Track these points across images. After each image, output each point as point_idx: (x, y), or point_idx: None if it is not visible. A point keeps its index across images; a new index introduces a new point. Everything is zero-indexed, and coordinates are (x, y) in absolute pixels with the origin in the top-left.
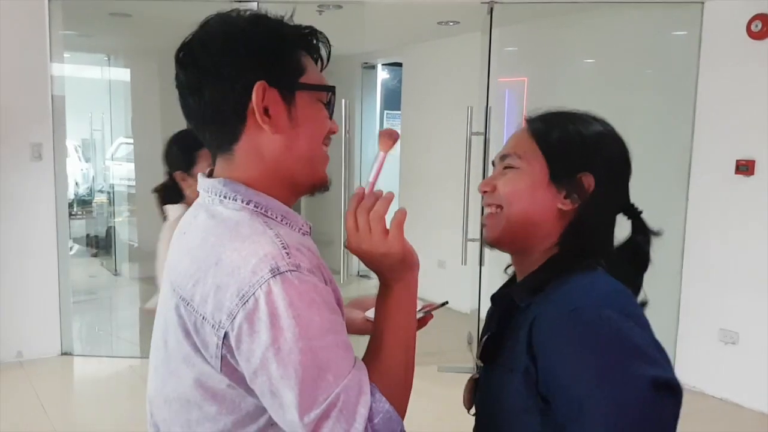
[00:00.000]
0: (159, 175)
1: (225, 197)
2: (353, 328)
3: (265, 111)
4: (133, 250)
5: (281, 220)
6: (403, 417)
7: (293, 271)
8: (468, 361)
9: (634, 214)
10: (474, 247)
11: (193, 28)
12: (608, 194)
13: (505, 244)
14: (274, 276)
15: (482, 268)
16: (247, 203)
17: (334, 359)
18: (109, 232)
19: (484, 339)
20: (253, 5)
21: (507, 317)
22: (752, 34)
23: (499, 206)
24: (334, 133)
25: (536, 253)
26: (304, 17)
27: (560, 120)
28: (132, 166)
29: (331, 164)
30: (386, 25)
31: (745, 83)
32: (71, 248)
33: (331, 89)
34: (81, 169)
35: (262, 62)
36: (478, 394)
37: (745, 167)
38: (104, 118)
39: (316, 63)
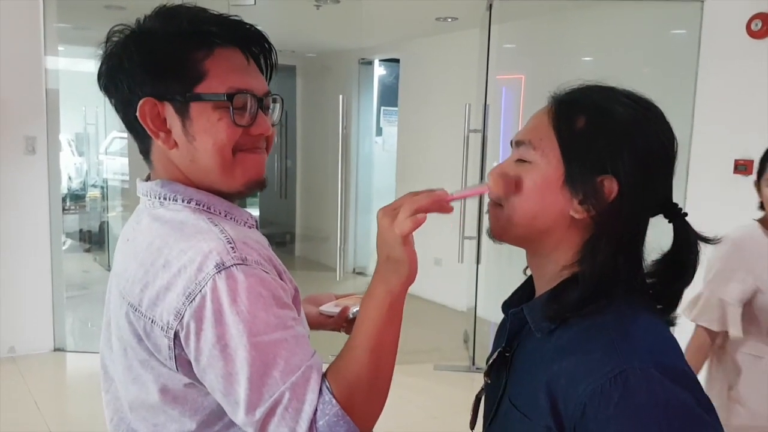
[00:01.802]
0: None
1: (165, 199)
2: (307, 324)
3: (165, 123)
4: None
5: (225, 215)
6: (365, 424)
7: (239, 264)
8: (464, 359)
9: (675, 216)
10: (470, 245)
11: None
12: (636, 201)
13: (509, 242)
14: (219, 272)
15: (479, 266)
16: (188, 202)
17: (283, 355)
18: (103, 227)
19: (493, 356)
20: (250, 0)
21: (519, 334)
22: (752, 33)
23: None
24: (262, 135)
25: (552, 264)
26: (301, 12)
27: (590, 102)
28: (126, 160)
29: (327, 160)
30: (384, 20)
31: (745, 82)
32: (64, 243)
33: (227, 97)
34: (74, 163)
35: (151, 76)
36: (484, 418)
37: (743, 167)
38: (98, 112)
39: (254, 55)
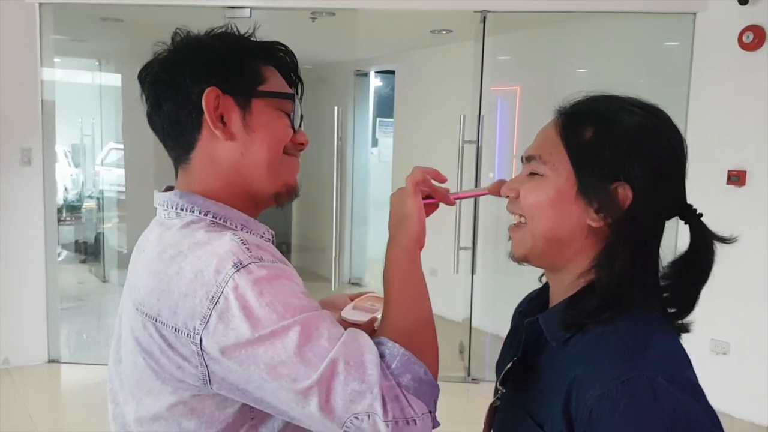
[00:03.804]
0: (149, 180)
1: (182, 209)
2: None
3: (221, 118)
4: (122, 257)
5: (241, 229)
6: (430, 365)
7: (256, 262)
8: (459, 370)
9: (690, 217)
10: (466, 255)
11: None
12: (651, 205)
13: (532, 262)
14: (238, 270)
15: (474, 276)
16: (205, 214)
17: (324, 326)
18: (98, 238)
19: (508, 365)
20: (246, 12)
21: (535, 343)
22: (744, 45)
23: (524, 216)
24: (302, 144)
25: (569, 273)
26: (296, 24)
27: (595, 113)
28: (122, 171)
29: (322, 171)
30: (379, 32)
31: (737, 94)
32: (59, 254)
33: (290, 96)
34: (70, 174)
35: (217, 71)
36: (496, 427)
37: (736, 178)
38: (94, 124)
39: (289, 79)
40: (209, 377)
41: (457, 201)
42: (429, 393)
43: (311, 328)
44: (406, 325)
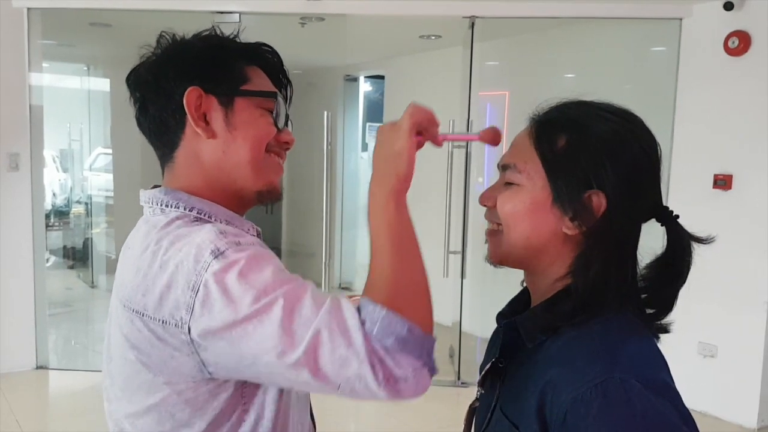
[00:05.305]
0: (137, 185)
1: (167, 206)
2: None
3: (204, 117)
4: (110, 262)
5: (225, 224)
6: (423, 321)
7: (233, 247)
8: (449, 374)
9: (667, 219)
10: (455, 260)
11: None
12: (625, 212)
13: (509, 265)
14: (216, 257)
15: (464, 280)
16: (190, 210)
17: (306, 296)
18: (87, 244)
19: (486, 366)
20: (235, 17)
21: (512, 345)
22: (729, 51)
23: (500, 224)
24: (287, 143)
25: (546, 278)
26: (286, 29)
27: (569, 120)
28: (110, 176)
29: (313, 176)
30: (368, 37)
31: (723, 98)
32: (48, 260)
33: (272, 94)
34: (58, 179)
35: (199, 71)
36: (475, 427)
37: (722, 182)
38: (83, 129)
39: (278, 81)
40: (203, 363)
41: (444, 143)
42: (419, 347)
43: (293, 301)
44: (390, 279)
